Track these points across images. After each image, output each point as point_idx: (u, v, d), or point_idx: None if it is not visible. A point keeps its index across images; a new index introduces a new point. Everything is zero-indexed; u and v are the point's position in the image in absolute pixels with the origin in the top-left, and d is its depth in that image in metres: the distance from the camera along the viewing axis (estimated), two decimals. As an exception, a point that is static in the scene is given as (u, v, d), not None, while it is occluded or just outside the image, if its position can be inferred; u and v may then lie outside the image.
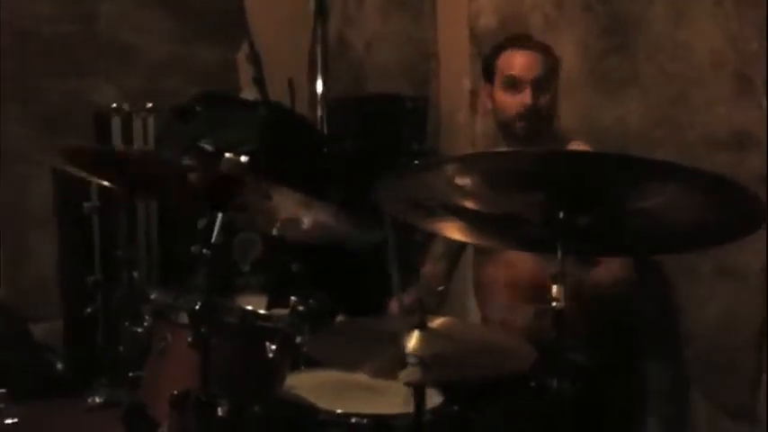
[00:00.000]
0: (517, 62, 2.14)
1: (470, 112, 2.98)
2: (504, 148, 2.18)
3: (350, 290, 2.87)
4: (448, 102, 3.15)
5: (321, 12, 3.65)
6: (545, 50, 2.20)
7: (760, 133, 2.03)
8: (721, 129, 2.13)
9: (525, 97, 2.10)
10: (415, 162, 1.62)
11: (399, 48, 3.41)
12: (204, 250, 1.67)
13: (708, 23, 2.18)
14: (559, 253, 1.34)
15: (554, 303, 1.35)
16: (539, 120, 2.13)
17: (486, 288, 2.27)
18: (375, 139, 3.21)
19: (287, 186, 1.83)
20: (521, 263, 2.09)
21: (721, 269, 2.10)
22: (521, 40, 2.26)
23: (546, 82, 2.14)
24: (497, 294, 2.21)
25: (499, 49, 2.22)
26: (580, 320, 1.57)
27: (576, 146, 2.14)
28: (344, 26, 3.72)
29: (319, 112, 3.35)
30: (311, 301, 2.03)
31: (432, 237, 2.35)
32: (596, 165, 1.28)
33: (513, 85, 2.12)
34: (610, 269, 2.01)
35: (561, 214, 1.30)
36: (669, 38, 2.27)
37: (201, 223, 1.93)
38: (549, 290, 1.36)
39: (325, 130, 3.35)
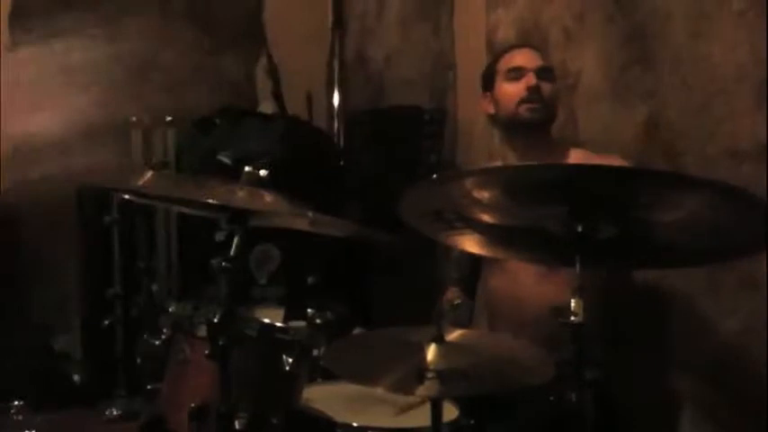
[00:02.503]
0: (519, 56, 2.24)
1: (488, 125, 2.97)
2: (509, 154, 2.20)
3: (367, 302, 2.88)
4: (466, 114, 3.15)
5: (339, 25, 3.67)
6: (542, 55, 2.26)
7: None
8: (744, 140, 2.11)
9: (529, 79, 2.16)
10: (435, 175, 1.62)
11: (418, 60, 3.41)
12: (223, 263, 1.67)
13: (730, 34, 2.16)
14: (578, 266, 1.33)
15: (573, 318, 1.34)
16: (543, 106, 2.16)
17: (492, 298, 2.26)
18: (393, 151, 3.21)
19: (304, 199, 1.84)
20: (525, 272, 2.09)
21: (744, 281, 2.07)
22: (521, 43, 2.32)
23: (549, 74, 2.19)
24: (503, 305, 2.20)
25: (498, 55, 2.31)
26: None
27: (575, 154, 2.16)
28: (363, 39, 3.74)
29: (337, 125, 3.36)
30: (328, 313, 2.03)
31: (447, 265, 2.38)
32: (616, 177, 1.27)
33: (517, 74, 2.19)
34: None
35: (580, 227, 1.29)
36: (691, 49, 2.25)
37: (220, 236, 1.93)
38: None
39: (343, 143, 3.36)
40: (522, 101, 2.15)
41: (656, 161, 2.28)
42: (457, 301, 2.08)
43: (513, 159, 2.22)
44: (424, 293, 2.70)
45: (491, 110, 2.26)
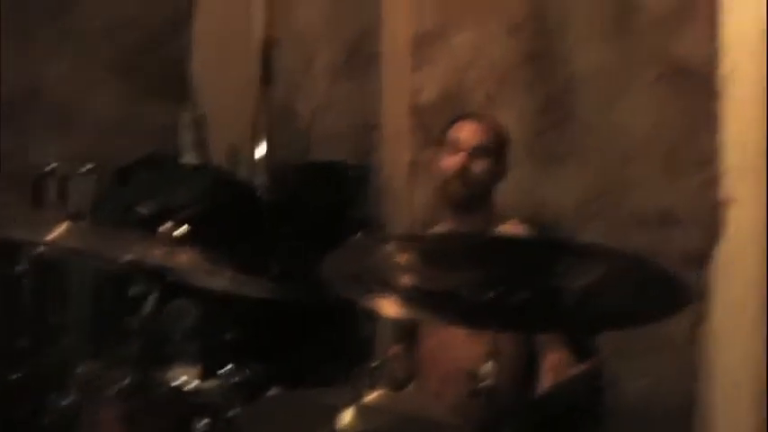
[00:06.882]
0: (461, 129, 2.26)
1: (411, 183, 3.02)
2: (442, 220, 2.24)
3: (289, 359, 2.84)
4: (390, 172, 3.19)
5: (266, 78, 3.69)
6: (494, 126, 2.29)
7: (686, 211, 2.11)
8: (650, 206, 2.20)
9: (460, 159, 2.18)
10: (356, 238, 1.65)
11: (344, 116, 3.45)
12: (137, 321, 1.64)
13: (643, 103, 2.27)
14: (491, 331, 1.36)
15: (485, 382, 1.37)
16: (470, 185, 2.19)
17: (423, 356, 2.28)
18: (317, 206, 3.22)
19: (226, 254, 1.82)
20: (455, 331, 2.11)
21: (652, 343, 2.14)
22: (475, 114, 2.36)
23: (485, 152, 2.22)
24: (433, 363, 2.22)
25: (452, 121, 2.33)
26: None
27: (512, 225, 2.20)
28: (290, 94, 3.76)
29: (262, 179, 3.35)
30: (246, 371, 2.00)
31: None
32: (525, 248, 1.32)
33: (454, 149, 2.21)
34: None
35: (492, 293, 1.33)
36: (605, 116, 2.36)
37: (135, 291, 1.90)
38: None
39: (267, 197, 3.35)
40: (450, 179, 2.19)
41: (568, 225, 2.35)
42: (375, 363, 2.07)
43: (446, 223, 2.24)
44: (348, 353, 2.69)
45: (435, 173, 2.29)
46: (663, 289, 1.34)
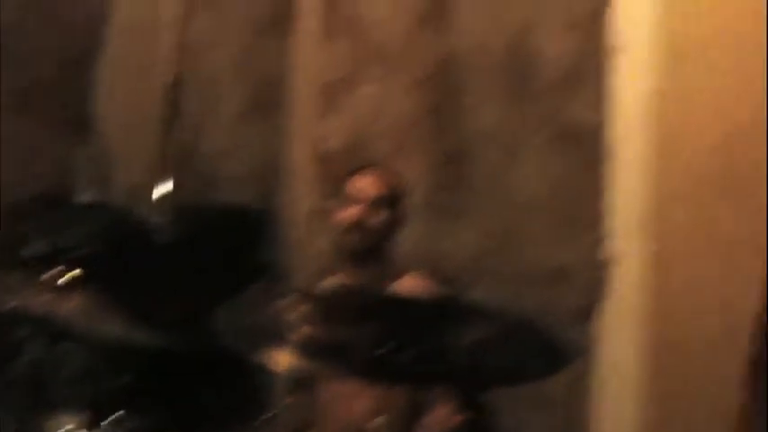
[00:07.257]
0: (357, 182, 2.28)
1: (312, 231, 3.04)
2: (339, 271, 2.24)
3: (183, 408, 2.77)
4: (292, 218, 3.20)
5: (172, 117, 3.65)
6: (392, 177, 2.32)
7: (575, 269, 2.20)
8: (542, 264, 2.28)
9: (354, 211, 2.20)
10: (251, 289, 1.65)
11: (249, 160, 3.45)
12: (19, 365, 1.58)
13: (537, 163, 2.36)
14: (382, 386, 1.38)
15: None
16: (365, 237, 2.21)
17: (318, 412, 2.26)
18: (219, 248, 3.18)
19: (122, 297, 1.78)
20: (348, 390, 2.11)
21: (536, 397, 2.20)
22: (373, 166, 2.39)
23: (379, 203, 2.25)
24: (327, 419, 2.21)
25: (352, 172, 2.34)
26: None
27: (411, 278, 2.22)
28: (197, 134, 3.74)
29: (162, 219, 3.30)
30: (138, 418, 1.94)
31: None
32: (416, 307, 1.35)
33: (351, 201, 2.24)
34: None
35: (383, 349, 1.36)
36: (502, 174, 2.44)
37: (21, 333, 1.83)
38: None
39: (168, 238, 3.29)
40: (347, 231, 2.20)
41: (464, 279, 2.39)
42: (270, 414, 2.05)
43: (343, 274, 2.25)
44: (244, 402, 2.64)
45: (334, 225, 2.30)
46: (546, 348, 1.39)
